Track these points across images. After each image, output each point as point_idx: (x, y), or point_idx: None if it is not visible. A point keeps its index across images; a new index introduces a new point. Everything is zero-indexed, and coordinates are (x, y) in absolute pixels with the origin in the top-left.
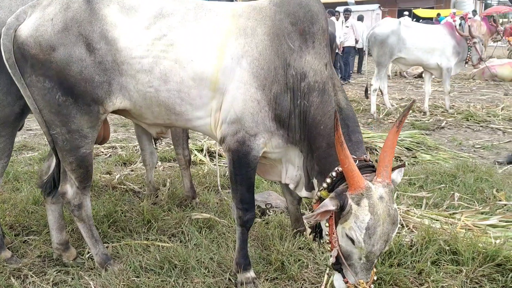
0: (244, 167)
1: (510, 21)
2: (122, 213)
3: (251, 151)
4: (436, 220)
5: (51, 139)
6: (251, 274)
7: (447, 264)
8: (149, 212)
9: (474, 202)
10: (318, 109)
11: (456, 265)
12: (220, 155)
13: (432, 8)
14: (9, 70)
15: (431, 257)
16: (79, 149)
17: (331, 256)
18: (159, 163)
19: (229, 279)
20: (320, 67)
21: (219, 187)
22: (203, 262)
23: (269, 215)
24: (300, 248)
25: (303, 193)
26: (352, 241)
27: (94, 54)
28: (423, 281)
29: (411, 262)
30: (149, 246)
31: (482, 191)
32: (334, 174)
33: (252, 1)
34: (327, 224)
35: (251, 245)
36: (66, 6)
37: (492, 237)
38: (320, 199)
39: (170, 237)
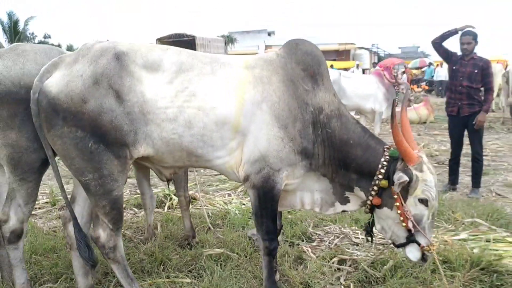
0: (269, 201)
1: (405, 67)
2: (128, 257)
3: (276, 185)
4: None
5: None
6: None
7: (444, 271)
8: (160, 252)
9: (442, 222)
10: (342, 129)
11: (451, 272)
12: (205, 194)
13: (335, 60)
14: (38, 132)
15: (429, 267)
16: (111, 193)
17: (405, 231)
18: (135, 210)
19: None
20: (331, 98)
21: (210, 225)
22: None
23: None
24: (313, 271)
25: (329, 211)
26: (426, 203)
27: (123, 105)
28: (427, 287)
29: (414, 273)
30: (174, 283)
31: (442, 213)
32: (385, 162)
33: (260, 55)
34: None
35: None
36: (95, 62)
37: (468, 248)
38: (377, 193)
39: (187, 274)
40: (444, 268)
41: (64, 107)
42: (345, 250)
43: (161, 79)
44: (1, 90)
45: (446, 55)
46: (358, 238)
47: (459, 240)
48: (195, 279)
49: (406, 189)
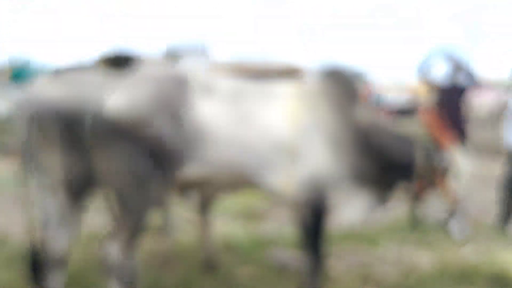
0: (322, 220)
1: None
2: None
3: (327, 205)
4: None
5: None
6: None
7: None
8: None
9: None
10: (380, 137)
11: None
12: None
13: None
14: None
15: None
16: (147, 210)
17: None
18: None
19: None
20: (366, 112)
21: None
22: None
23: None
24: None
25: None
26: None
27: (183, 128)
28: None
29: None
30: None
31: None
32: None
33: (304, 85)
34: None
35: None
36: (159, 85)
37: None
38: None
39: None
40: None
41: (125, 128)
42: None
43: (218, 104)
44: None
45: None
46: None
47: None
48: None
49: None
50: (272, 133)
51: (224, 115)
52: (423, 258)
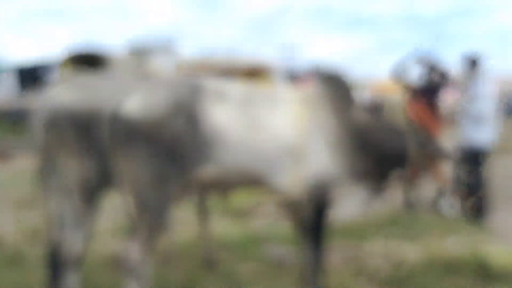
0: (325, 217)
1: None
2: None
3: (330, 200)
4: None
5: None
6: None
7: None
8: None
9: None
10: (377, 133)
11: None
12: None
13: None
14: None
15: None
16: (166, 211)
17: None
18: None
19: None
20: (360, 112)
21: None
22: None
23: None
24: None
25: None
26: None
27: (198, 131)
28: None
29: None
30: None
31: None
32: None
33: (305, 91)
34: None
35: None
36: (175, 90)
37: None
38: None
39: None
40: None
41: (143, 130)
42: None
43: (229, 108)
44: None
45: None
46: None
47: None
48: None
49: None
50: (279, 136)
51: (235, 120)
52: (410, 251)
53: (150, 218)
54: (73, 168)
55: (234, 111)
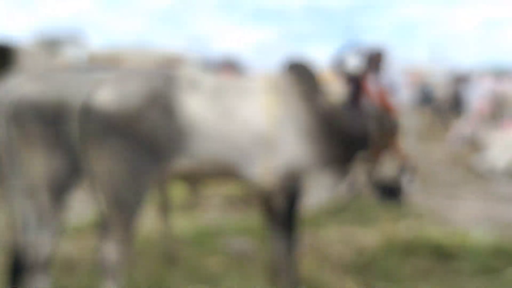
0: (297, 206)
1: None
2: None
3: (301, 189)
4: None
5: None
6: None
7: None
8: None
9: None
10: (340, 119)
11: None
12: None
13: None
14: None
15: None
16: (139, 205)
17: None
18: None
19: None
20: (326, 99)
21: None
22: None
23: None
24: None
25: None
26: None
27: (173, 122)
28: None
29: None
30: None
31: None
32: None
33: (269, 77)
34: None
35: None
36: (149, 80)
37: None
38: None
39: None
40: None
41: (116, 123)
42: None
43: (203, 98)
44: None
45: None
46: None
47: None
48: None
49: None
50: (251, 126)
51: (208, 111)
52: (367, 237)
53: (125, 215)
54: (39, 165)
55: (207, 101)
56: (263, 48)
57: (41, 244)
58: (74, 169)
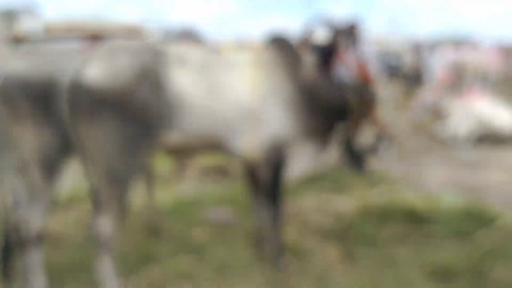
0: (282, 176)
1: None
2: None
3: (286, 159)
4: None
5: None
6: None
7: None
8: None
9: None
10: (320, 90)
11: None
12: None
13: None
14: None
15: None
16: (131, 181)
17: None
18: None
19: None
20: (307, 71)
21: None
22: None
23: None
24: None
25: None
26: None
27: (163, 96)
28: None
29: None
30: None
31: None
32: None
33: (256, 53)
34: None
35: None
36: (138, 55)
37: None
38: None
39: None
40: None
41: (108, 98)
42: None
43: (191, 73)
44: None
45: None
46: None
47: None
48: None
49: None
50: (237, 99)
51: (195, 85)
52: (344, 204)
53: (118, 190)
54: (30, 141)
55: (195, 76)
56: (223, 18)
57: (32, 219)
58: (65, 145)
